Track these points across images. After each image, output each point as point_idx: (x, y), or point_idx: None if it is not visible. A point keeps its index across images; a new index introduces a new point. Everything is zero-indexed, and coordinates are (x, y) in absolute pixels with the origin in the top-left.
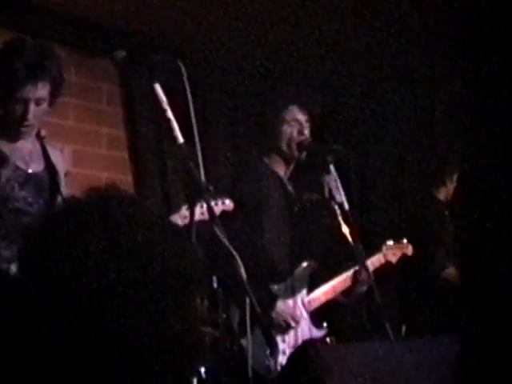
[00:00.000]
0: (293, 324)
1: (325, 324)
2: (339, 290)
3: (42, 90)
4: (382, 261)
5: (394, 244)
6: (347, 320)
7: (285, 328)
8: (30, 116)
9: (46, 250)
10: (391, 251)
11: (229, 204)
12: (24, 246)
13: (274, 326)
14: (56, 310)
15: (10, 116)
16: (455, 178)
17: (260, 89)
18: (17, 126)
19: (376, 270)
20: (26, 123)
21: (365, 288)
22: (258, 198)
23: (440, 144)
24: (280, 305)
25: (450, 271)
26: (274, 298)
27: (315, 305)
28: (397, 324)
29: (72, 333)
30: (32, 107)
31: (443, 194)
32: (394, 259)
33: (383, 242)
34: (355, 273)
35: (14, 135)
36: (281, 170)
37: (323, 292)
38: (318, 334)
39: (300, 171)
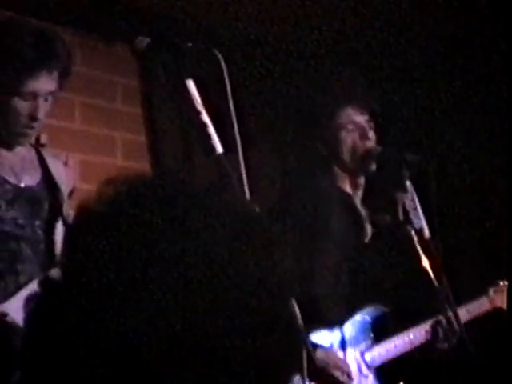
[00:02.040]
0: (342, 378)
1: None
2: (412, 345)
3: (54, 82)
4: (488, 307)
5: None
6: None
7: (332, 382)
8: (41, 114)
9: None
10: (501, 295)
11: None
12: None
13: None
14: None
15: (9, 116)
16: None
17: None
18: (21, 127)
19: (479, 319)
20: (36, 123)
21: (447, 345)
22: (314, 221)
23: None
24: (321, 354)
25: None
26: (314, 346)
27: (379, 361)
28: None
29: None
30: (41, 103)
31: None
32: (504, 304)
33: (491, 281)
34: (435, 324)
35: (11, 140)
36: (348, 186)
37: (390, 347)
38: None
39: (370, 188)
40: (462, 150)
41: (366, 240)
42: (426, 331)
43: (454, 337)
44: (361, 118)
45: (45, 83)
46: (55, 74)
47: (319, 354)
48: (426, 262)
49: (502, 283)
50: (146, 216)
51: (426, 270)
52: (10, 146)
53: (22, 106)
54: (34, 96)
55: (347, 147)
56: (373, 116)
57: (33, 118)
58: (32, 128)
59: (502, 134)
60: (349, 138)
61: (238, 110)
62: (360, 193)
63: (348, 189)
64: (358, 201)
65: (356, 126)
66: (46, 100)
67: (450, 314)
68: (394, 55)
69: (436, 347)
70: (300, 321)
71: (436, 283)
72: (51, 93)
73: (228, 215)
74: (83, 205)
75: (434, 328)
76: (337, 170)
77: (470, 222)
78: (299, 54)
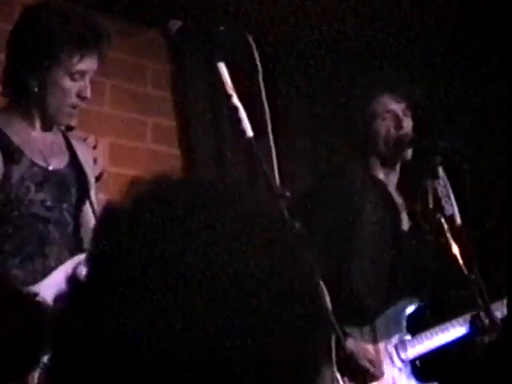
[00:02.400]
0: (372, 369)
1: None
2: (449, 339)
3: (95, 63)
4: None
5: None
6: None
7: (365, 375)
8: (89, 93)
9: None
10: None
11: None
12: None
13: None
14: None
15: (60, 95)
16: None
17: (348, 72)
18: (70, 106)
19: None
20: (84, 102)
21: (487, 339)
22: (349, 212)
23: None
24: (351, 343)
25: None
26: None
27: (413, 355)
28: None
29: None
30: (88, 83)
31: None
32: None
33: None
34: (474, 317)
35: (56, 120)
36: (383, 176)
37: (425, 341)
38: None
39: (406, 176)
40: (461, 149)
41: (404, 228)
42: (465, 325)
43: (495, 330)
44: (396, 107)
45: (92, 63)
46: (98, 54)
47: (350, 343)
48: (456, 250)
49: None
50: (171, 219)
51: (456, 258)
52: (48, 128)
53: (71, 85)
54: (83, 75)
55: (381, 135)
56: (411, 104)
57: (82, 97)
58: (77, 108)
59: (502, 134)
60: (383, 127)
61: (272, 94)
62: (395, 181)
63: (382, 177)
64: (393, 189)
65: (391, 115)
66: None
67: (489, 306)
68: (394, 55)
69: (476, 341)
70: (330, 311)
71: (466, 271)
72: (94, 72)
73: (258, 222)
74: (110, 202)
75: (473, 321)
76: (372, 158)
77: (470, 223)
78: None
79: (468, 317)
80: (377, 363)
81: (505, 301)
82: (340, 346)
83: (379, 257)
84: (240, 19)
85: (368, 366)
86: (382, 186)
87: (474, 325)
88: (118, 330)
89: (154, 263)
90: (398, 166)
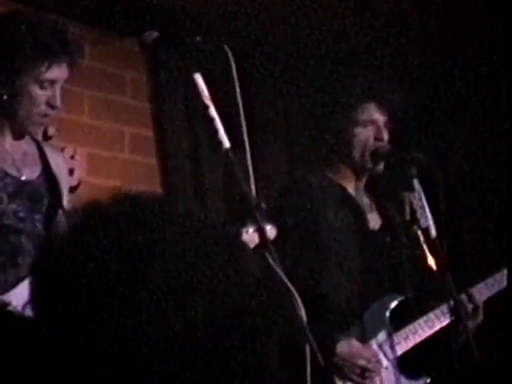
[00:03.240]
0: (370, 366)
1: (427, 379)
2: (433, 329)
3: (66, 72)
4: (496, 288)
5: None
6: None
7: (361, 373)
8: (59, 102)
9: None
10: None
11: (270, 230)
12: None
13: (338, 373)
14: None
15: (28, 104)
16: None
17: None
18: (39, 116)
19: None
20: (53, 112)
21: (471, 323)
22: (314, 220)
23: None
24: (343, 346)
25: None
26: (333, 340)
27: (399, 351)
28: None
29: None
30: (58, 91)
31: None
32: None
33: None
34: (456, 303)
35: (25, 129)
36: (350, 185)
37: (410, 335)
38: None
39: (375, 186)
40: (462, 149)
41: (375, 227)
42: (447, 312)
43: (478, 314)
44: (380, 117)
45: (61, 72)
46: (68, 63)
47: (342, 347)
48: (431, 261)
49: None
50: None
51: (431, 269)
52: (19, 136)
53: (40, 94)
54: (52, 84)
55: (359, 145)
56: (392, 117)
57: (51, 106)
58: (48, 116)
59: (501, 134)
60: (363, 135)
61: (248, 105)
62: (362, 184)
63: (351, 188)
64: (354, 192)
65: (373, 125)
66: (60, 89)
67: (470, 291)
68: (394, 55)
69: (461, 327)
70: (304, 318)
71: (441, 282)
72: (64, 81)
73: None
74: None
75: (455, 307)
76: (343, 167)
77: (470, 223)
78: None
79: (450, 304)
80: (374, 361)
81: (487, 281)
82: (330, 351)
83: (350, 259)
84: (216, 29)
85: (365, 364)
86: (340, 190)
87: (456, 310)
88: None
89: (90, 284)
90: (365, 177)
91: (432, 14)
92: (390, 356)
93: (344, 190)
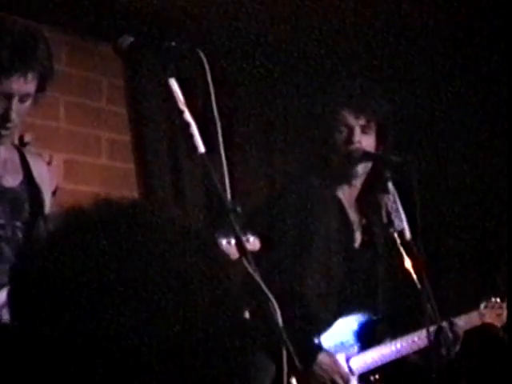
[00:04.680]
0: (340, 382)
1: None
2: (400, 354)
3: (31, 84)
4: (478, 322)
5: (502, 302)
6: None
7: None
8: (14, 115)
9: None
10: (494, 311)
11: (253, 242)
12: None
13: (313, 381)
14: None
15: None
16: None
17: (304, 87)
18: None
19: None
20: (9, 124)
21: (451, 351)
22: (303, 229)
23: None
24: (324, 358)
25: None
26: (315, 350)
27: (363, 369)
28: None
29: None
30: (16, 104)
31: None
32: (498, 322)
33: (484, 295)
34: (438, 330)
35: None
36: (340, 191)
37: (377, 355)
38: None
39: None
40: (461, 149)
41: (356, 245)
42: (425, 337)
43: (457, 343)
44: (354, 122)
45: (20, 84)
46: (33, 75)
47: (323, 357)
48: (408, 264)
49: (494, 299)
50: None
51: (408, 272)
52: None
53: None
54: (8, 97)
55: (335, 149)
56: (372, 121)
57: (5, 119)
58: (6, 129)
59: (501, 134)
60: (337, 140)
61: (224, 109)
62: (354, 197)
63: (339, 192)
64: (349, 205)
65: (347, 129)
66: (22, 101)
67: (452, 320)
68: (394, 55)
69: (437, 354)
70: (281, 323)
71: (418, 285)
72: (28, 94)
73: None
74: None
75: (436, 334)
76: (328, 172)
77: (469, 223)
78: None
79: (424, 331)
80: (345, 377)
81: (471, 314)
82: (291, 356)
83: (334, 271)
84: (192, 34)
85: (338, 380)
86: (337, 202)
87: (437, 337)
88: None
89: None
90: (357, 182)
91: (432, 13)
92: (354, 371)
93: (339, 202)
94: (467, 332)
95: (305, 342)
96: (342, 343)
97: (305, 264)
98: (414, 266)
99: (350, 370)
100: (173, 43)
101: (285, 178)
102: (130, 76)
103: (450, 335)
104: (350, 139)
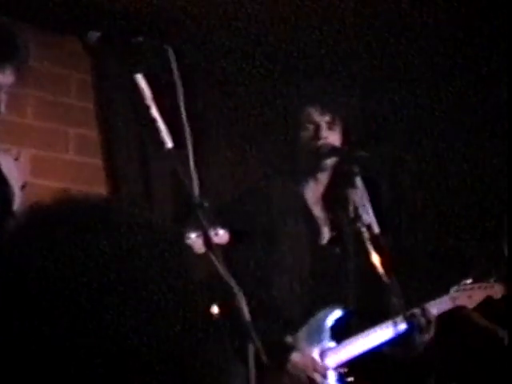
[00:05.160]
0: (319, 379)
1: None
2: (373, 344)
3: (10, 77)
4: (449, 306)
5: (474, 284)
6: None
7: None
8: (3, 107)
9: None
10: (466, 294)
11: (222, 235)
12: None
13: (290, 381)
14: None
15: None
16: None
17: (272, 83)
18: None
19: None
20: None
21: (425, 337)
22: (268, 224)
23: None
24: (297, 357)
25: None
26: (287, 348)
27: (338, 362)
28: None
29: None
30: (3, 96)
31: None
32: (470, 304)
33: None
34: (410, 316)
35: None
36: (306, 187)
37: (350, 347)
38: None
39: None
40: (461, 149)
41: (324, 241)
42: (392, 327)
43: (430, 328)
44: (319, 118)
45: (7, 76)
46: (14, 67)
47: (296, 356)
48: (375, 258)
49: (464, 282)
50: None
51: (375, 266)
52: None
53: None
54: None
55: (301, 145)
56: (339, 117)
57: None
58: None
59: (502, 134)
60: (303, 137)
61: (191, 104)
62: (320, 192)
63: (304, 188)
64: (314, 202)
65: (313, 126)
66: (5, 94)
67: (423, 306)
68: (394, 55)
69: (414, 340)
70: (248, 318)
71: (385, 279)
72: (10, 86)
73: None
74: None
75: (409, 320)
76: (294, 169)
77: (469, 222)
78: (262, 54)
79: (395, 320)
80: (323, 373)
81: (441, 298)
82: (287, 360)
83: (300, 269)
84: (160, 30)
85: (316, 377)
86: (302, 199)
87: (410, 324)
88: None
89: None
90: (323, 177)
91: (432, 13)
92: (329, 366)
93: (303, 199)
94: (440, 317)
95: (276, 342)
96: (314, 339)
97: (273, 261)
98: (380, 260)
99: (326, 364)
100: (140, 38)
101: (252, 174)
102: (97, 71)
103: (423, 320)
104: (316, 135)
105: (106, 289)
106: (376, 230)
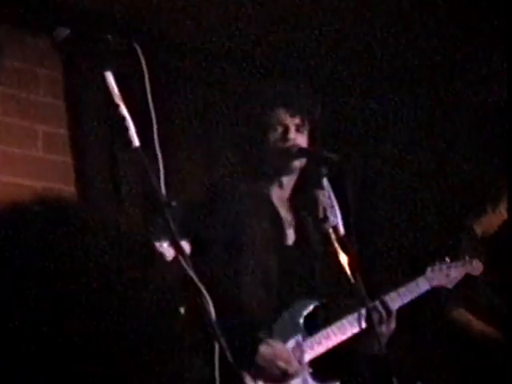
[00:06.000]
0: (291, 370)
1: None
2: (345, 335)
3: None
4: (425, 287)
5: (452, 263)
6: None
7: (282, 375)
8: None
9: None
10: (442, 273)
11: (184, 246)
12: None
13: (262, 375)
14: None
15: None
16: (502, 208)
17: (242, 80)
18: None
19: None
20: None
21: (385, 329)
22: (235, 228)
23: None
24: (264, 348)
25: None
26: (255, 342)
27: (311, 355)
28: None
29: None
30: None
31: (481, 225)
32: (448, 283)
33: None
34: (371, 309)
35: None
36: (275, 195)
37: (322, 340)
38: None
39: (295, 188)
40: (461, 150)
41: (289, 243)
42: (360, 318)
43: (391, 321)
44: (289, 120)
45: None
46: None
47: (265, 348)
48: (343, 258)
49: (438, 263)
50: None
51: (342, 266)
52: None
53: None
54: None
55: (269, 147)
56: (307, 120)
57: None
58: None
59: (502, 134)
60: (272, 138)
61: (160, 104)
62: (287, 193)
63: (271, 190)
64: (281, 203)
65: (282, 127)
66: None
67: (382, 298)
68: (394, 55)
69: (375, 333)
70: (213, 317)
71: (352, 279)
72: None
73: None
74: None
75: (368, 313)
76: (261, 170)
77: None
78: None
79: (364, 311)
80: (294, 364)
81: (402, 288)
82: (257, 353)
83: (266, 271)
84: (130, 27)
85: (285, 367)
86: (268, 201)
87: (371, 317)
88: None
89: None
90: (291, 179)
91: (432, 13)
92: (302, 359)
93: (269, 201)
94: (415, 303)
95: (247, 338)
96: (288, 332)
97: (239, 263)
98: (348, 261)
99: (299, 356)
100: (109, 36)
101: (220, 176)
102: (66, 68)
103: (383, 312)
104: (285, 137)
105: (72, 291)
106: (342, 231)
